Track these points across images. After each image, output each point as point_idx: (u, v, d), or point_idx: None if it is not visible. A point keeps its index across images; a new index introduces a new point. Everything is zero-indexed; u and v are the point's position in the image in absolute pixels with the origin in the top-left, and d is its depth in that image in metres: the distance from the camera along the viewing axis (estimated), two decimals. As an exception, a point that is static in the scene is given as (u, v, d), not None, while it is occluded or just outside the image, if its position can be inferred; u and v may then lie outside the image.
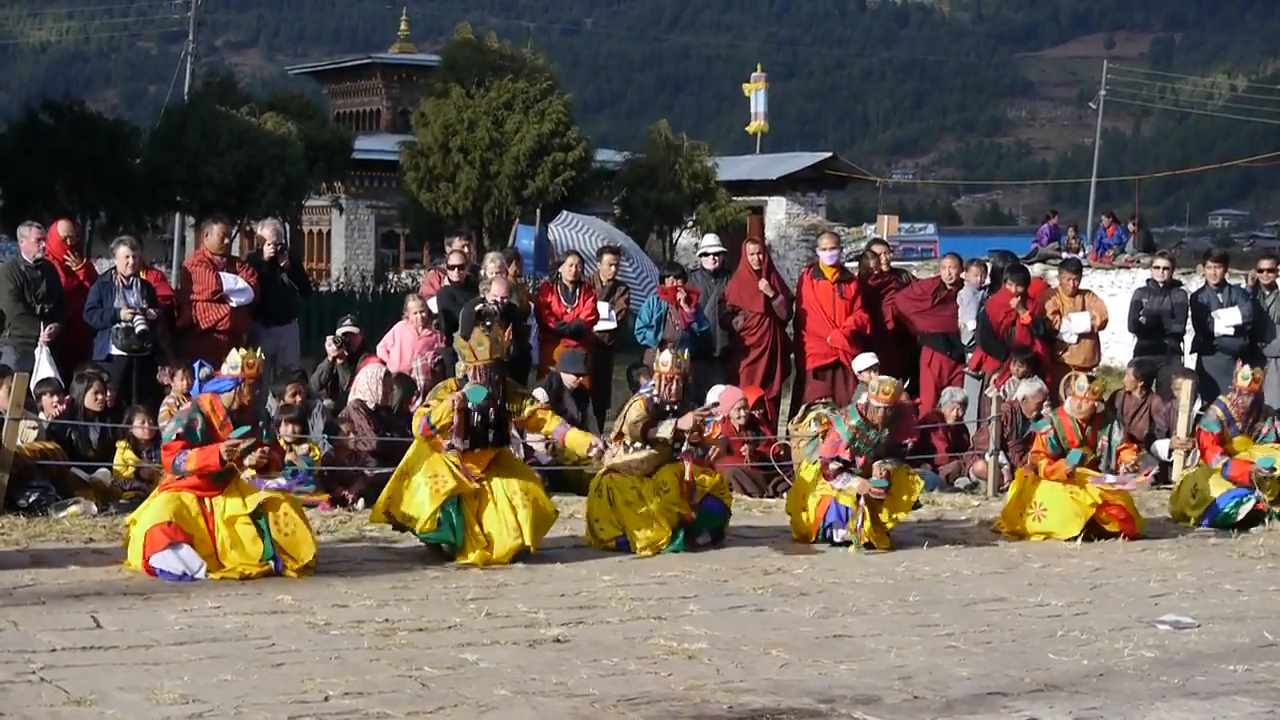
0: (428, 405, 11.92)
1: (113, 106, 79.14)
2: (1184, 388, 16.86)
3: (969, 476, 16.36)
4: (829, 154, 51.77)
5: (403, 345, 16.39)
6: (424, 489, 11.60)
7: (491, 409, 11.76)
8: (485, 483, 11.77)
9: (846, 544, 12.62)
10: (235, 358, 11.29)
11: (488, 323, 15.93)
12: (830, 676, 8.56)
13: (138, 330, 15.26)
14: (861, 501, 12.59)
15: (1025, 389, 16.49)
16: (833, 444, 12.77)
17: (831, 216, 48.64)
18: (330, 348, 16.46)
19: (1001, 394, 16.45)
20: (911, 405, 15.07)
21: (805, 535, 12.89)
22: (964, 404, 17.16)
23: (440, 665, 8.52)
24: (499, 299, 16.16)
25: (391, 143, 42.97)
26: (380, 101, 56.32)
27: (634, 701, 7.96)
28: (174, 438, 11.07)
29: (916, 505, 13.43)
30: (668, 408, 12.63)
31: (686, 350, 13.50)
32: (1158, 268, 19.11)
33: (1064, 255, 34.10)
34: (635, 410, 12.62)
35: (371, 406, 14.87)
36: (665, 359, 12.79)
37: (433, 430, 11.67)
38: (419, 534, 11.69)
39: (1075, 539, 13.22)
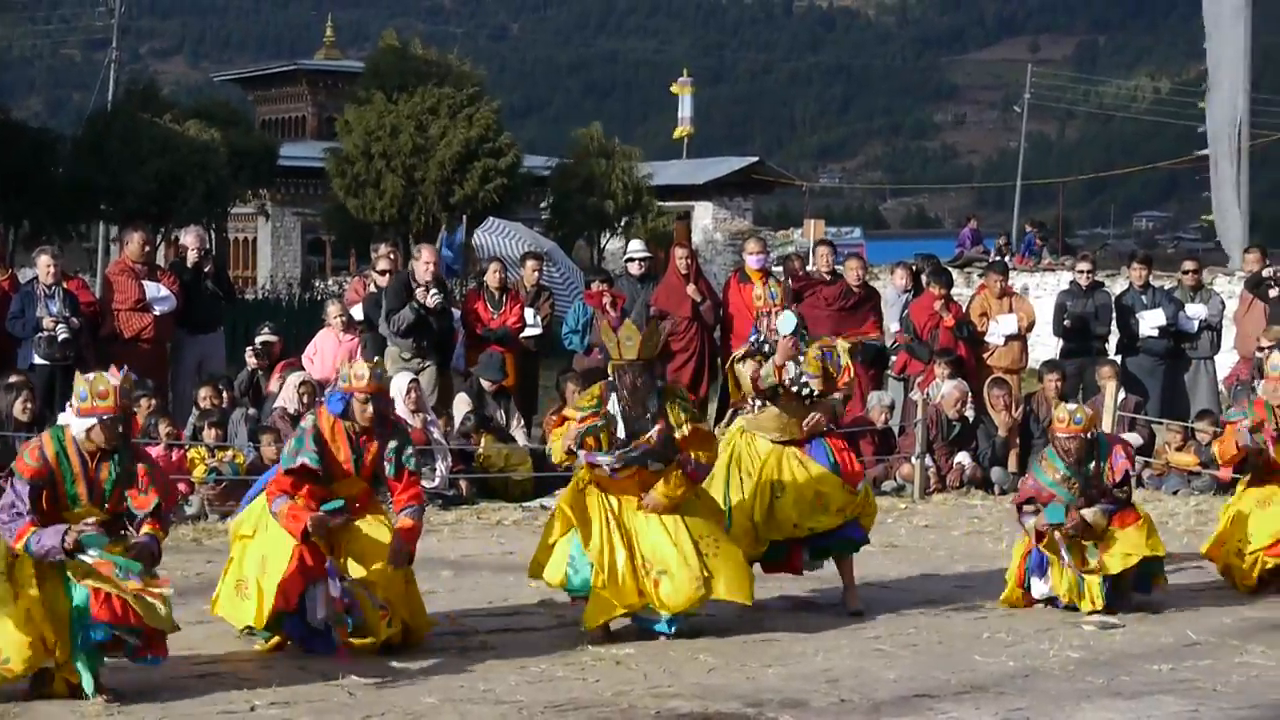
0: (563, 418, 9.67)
1: (36, 114, 78.36)
2: (1109, 381, 16.88)
3: (896, 480, 16.38)
4: (756, 159, 51.93)
5: (324, 352, 16.30)
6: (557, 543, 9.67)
7: (638, 421, 9.39)
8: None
9: (1051, 600, 10.54)
10: (348, 371, 9.22)
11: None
12: (758, 680, 8.59)
13: (60, 339, 15.18)
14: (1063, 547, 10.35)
15: (945, 387, 16.56)
16: (1033, 488, 10.62)
17: (758, 221, 48.71)
18: (250, 358, 16.40)
19: (926, 397, 16.49)
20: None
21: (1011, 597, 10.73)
22: (891, 407, 17.18)
23: (367, 674, 8.49)
24: (425, 281, 16.12)
25: (317, 150, 42.76)
26: (306, 108, 56.02)
27: (561, 708, 7.96)
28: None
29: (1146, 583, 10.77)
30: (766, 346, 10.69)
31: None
32: (1080, 270, 19.19)
33: (991, 258, 34.35)
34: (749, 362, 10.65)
35: (295, 415, 14.80)
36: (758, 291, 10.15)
37: (577, 447, 9.42)
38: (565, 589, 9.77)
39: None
